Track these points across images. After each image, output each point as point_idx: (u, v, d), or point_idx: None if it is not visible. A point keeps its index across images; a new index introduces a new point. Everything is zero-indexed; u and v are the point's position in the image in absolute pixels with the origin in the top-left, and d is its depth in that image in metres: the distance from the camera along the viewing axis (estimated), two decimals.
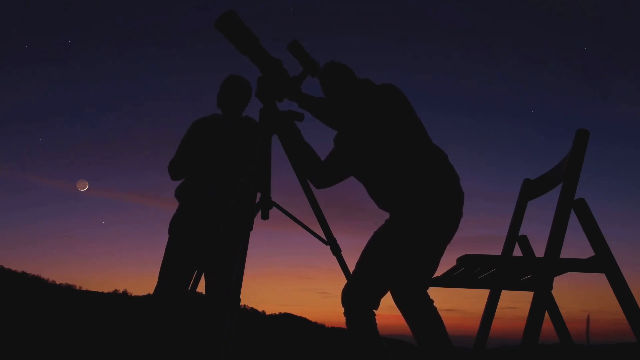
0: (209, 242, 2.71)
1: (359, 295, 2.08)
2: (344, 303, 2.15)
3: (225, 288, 2.71)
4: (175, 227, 2.77)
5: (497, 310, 2.20)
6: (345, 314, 2.15)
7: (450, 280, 2.01)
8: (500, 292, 2.19)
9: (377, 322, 2.15)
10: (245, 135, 2.86)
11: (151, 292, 2.71)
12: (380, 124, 2.07)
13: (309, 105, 2.28)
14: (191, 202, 2.75)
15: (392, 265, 2.03)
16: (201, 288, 2.82)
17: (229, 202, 2.78)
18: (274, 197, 2.13)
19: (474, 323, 2.27)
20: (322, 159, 2.29)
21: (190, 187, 2.77)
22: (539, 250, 1.85)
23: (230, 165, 2.80)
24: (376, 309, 2.15)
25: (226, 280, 2.71)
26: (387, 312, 2.21)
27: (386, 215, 2.25)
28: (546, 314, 1.78)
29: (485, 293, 2.23)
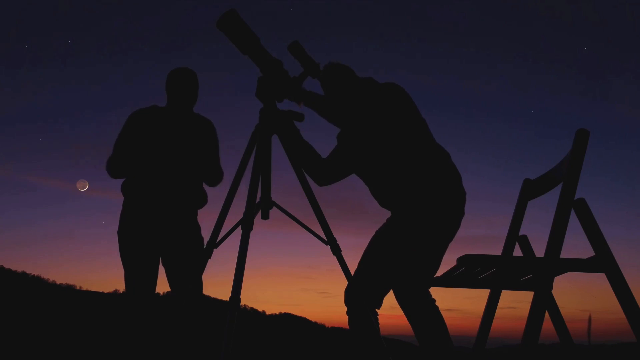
0: (173, 243, 2.68)
1: (360, 295, 2.09)
2: (346, 302, 2.16)
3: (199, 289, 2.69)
4: (132, 228, 2.69)
5: (497, 310, 2.20)
6: (347, 313, 2.16)
7: (451, 280, 2.01)
8: (501, 292, 2.19)
9: (379, 321, 2.16)
10: (199, 131, 2.80)
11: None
12: (382, 123, 2.07)
13: (312, 102, 2.27)
14: (148, 200, 2.69)
15: (394, 264, 2.03)
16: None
17: (188, 199, 2.74)
18: (274, 197, 2.14)
19: (474, 323, 2.27)
20: (323, 157, 2.29)
21: (149, 184, 2.69)
22: (539, 250, 1.85)
23: (185, 161, 2.73)
24: (379, 308, 2.15)
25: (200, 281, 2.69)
26: (388, 312, 2.21)
27: (387, 214, 2.25)
28: (546, 314, 1.78)
29: (485, 293, 2.23)
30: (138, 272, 2.63)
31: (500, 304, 2.20)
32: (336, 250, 2.06)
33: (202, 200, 2.84)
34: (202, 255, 2.20)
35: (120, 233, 2.67)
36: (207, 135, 2.82)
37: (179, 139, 2.71)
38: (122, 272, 2.67)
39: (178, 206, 2.70)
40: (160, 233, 2.65)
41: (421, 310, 1.97)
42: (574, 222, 1.77)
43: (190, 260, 2.66)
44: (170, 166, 2.67)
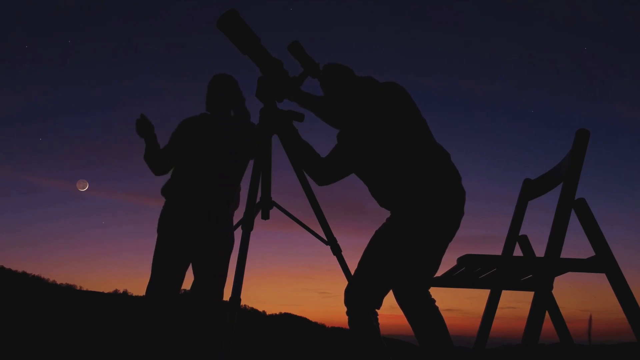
0: (209, 245, 2.70)
1: (360, 295, 2.08)
2: (346, 303, 2.15)
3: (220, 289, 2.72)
4: (173, 224, 2.73)
5: (497, 310, 2.20)
6: (347, 313, 2.15)
7: (451, 280, 2.01)
8: (501, 292, 2.19)
9: (379, 321, 2.15)
10: (246, 132, 2.84)
11: None
12: (382, 122, 2.07)
13: (310, 103, 2.28)
14: (190, 203, 2.72)
15: (394, 264, 2.03)
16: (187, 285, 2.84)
17: (227, 203, 2.78)
18: (274, 197, 2.14)
19: (474, 323, 2.27)
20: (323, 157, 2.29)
21: (191, 188, 2.74)
22: (540, 250, 1.85)
23: (234, 164, 2.79)
24: (379, 308, 2.15)
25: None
26: (388, 312, 2.21)
27: (387, 214, 2.25)
28: (546, 314, 1.78)
29: (485, 293, 2.23)
30: (173, 267, 2.65)
31: (500, 304, 2.20)
32: (336, 250, 2.06)
33: (237, 202, 2.90)
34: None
35: (160, 230, 2.72)
36: (237, 141, 2.84)
37: (223, 145, 2.75)
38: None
39: (218, 210, 2.73)
40: (199, 234, 2.68)
41: (421, 311, 1.96)
42: (574, 222, 1.77)
43: (213, 262, 2.70)
44: (212, 171, 2.72)
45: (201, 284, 2.72)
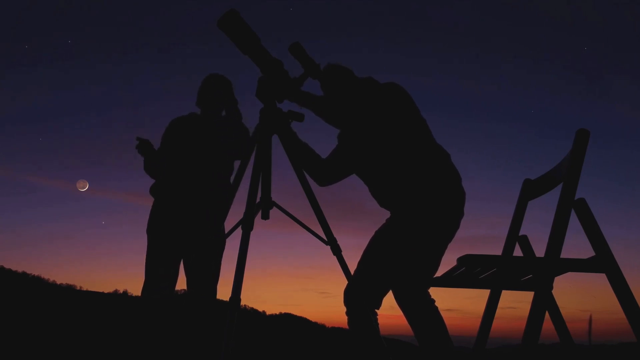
0: (198, 244, 2.70)
1: (360, 295, 2.08)
2: (345, 303, 2.15)
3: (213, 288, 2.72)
4: (161, 224, 2.73)
5: (497, 310, 2.20)
6: (347, 313, 2.15)
7: (451, 280, 2.01)
8: (501, 292, 2.19)
9: (378, 321, 2.15)
10: (244, 134, 2.84)
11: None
12: (382, 123, 2.07)
13: (310, 103, 2.28)
14: (177, 201, 2.72)
15: (393, 264, 2.03)
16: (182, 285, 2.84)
17: (219, 199, 2.77)
18: (274, 197, 2.14)
19: (474, 323, 2.27)
20: (323, 158, 2.29)
21: (178, 187, 2.73)
22: (540, 250, 1.85)
23: (220, 161, 2.77)
24: (378, 309, 2.15)
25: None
26: (388, 312, 2.21)
27: (387, 215, 2.25)
28: (546, 314, 1.78)
29: (485, 293, 2.23)
30: (160, 268, 2.65)
31: (500, 304, 2.20)
32: (336, 251, 2.06)
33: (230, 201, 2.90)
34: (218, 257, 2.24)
35: (149, 231, 2.73)
36: (237, 141, 2.83)
37: (207, 144, 2.75)
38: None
39: (205, 208, 2.73)
40: (186, 233, 2.68)
41: (420, 311, 1.97)
42: (574, 222, 1.77)
43: (212, 262, 2.70)
44: (197, 169, 2.71)
45: (199, 284, 2.71)
